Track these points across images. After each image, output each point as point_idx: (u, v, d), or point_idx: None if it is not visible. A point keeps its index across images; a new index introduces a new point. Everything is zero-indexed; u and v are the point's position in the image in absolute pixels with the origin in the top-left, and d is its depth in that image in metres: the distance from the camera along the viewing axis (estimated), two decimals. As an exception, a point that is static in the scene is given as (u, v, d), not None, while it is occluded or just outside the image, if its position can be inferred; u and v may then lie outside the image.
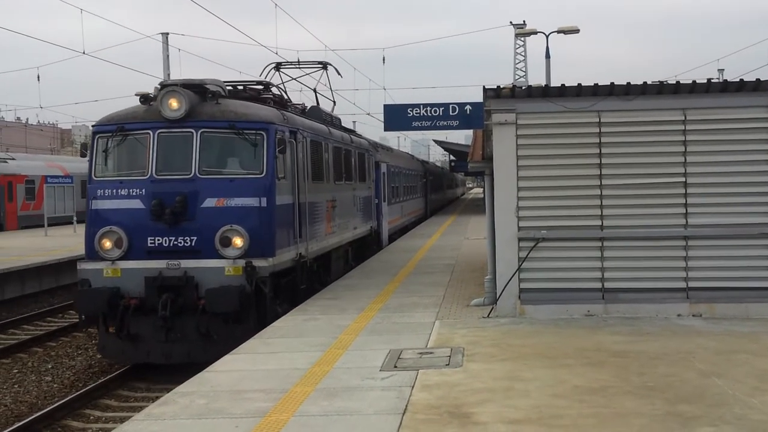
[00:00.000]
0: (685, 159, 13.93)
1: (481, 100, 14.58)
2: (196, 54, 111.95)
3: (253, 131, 14.99)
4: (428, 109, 14.68)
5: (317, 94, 23.63)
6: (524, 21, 53.50)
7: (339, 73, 23.80)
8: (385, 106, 15.06)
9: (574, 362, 10.54)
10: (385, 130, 15.05)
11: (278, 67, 22.42)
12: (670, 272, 13.88)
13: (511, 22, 53.40)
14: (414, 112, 14.71)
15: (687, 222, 13.92)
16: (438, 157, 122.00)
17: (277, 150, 15.05)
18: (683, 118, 13.92)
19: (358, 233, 24.10)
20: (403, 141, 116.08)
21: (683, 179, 13.91)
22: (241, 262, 14.34)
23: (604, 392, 9.11)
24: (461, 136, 75.72)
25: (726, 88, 13.96)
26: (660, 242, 13.94)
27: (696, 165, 13.92)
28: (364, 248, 26.11)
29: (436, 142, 69.33)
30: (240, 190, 14.76)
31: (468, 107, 14.63)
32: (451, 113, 14.71)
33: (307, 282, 17.43)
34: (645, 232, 13.94)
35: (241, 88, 17.69)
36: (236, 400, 9.33)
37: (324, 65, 22.79)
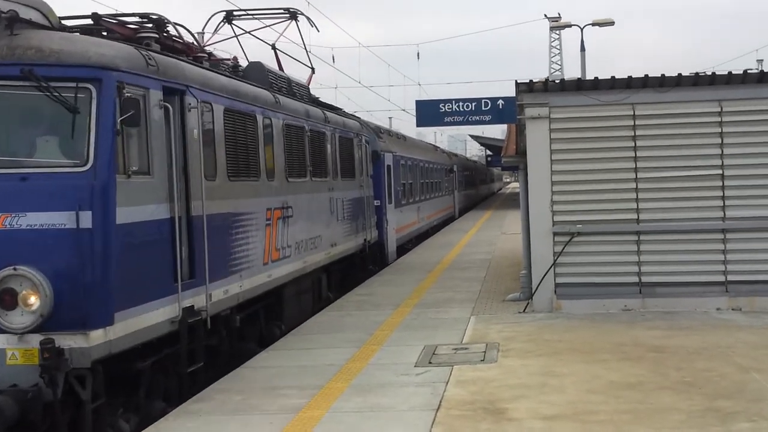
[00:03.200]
0: (722, 151, 13.75)
1: (514, 95, 14.50)
2: (227, 51, 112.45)
3: (71, 83, 8.45)
4: (461, 104, 14.66)
5: (277, 52, 17.56)
6: (559, 14, 53.26)
7: (313, 25, 18.20)
8: (418, 102, 15.06)
9: (611, 357, 10.45)
10: (418, 125, 15.05)
11: (229, 17, 16.56)
12: (709, 266, 13.71)
13: (545, 15, 53.20)
14: (446, 107, 14.69)
15: (725, 214, 13.74)
16: (475, 152, 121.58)
17: (118, 119, 8.51)
18: (719, 109, 13.74)
19: (339, 251, 17.69)
20: (440, 136, 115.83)
21: (720, 171, 13.73)
22: (36, 341, 7.97)
23: (641, 387, 9.02)
24: (498, 131, 74.70)
25: (762, 78, 13.75)
26: (698, 235, 13.77)
27: (733, 157, 13.73)
28: (355, 268, 19.86)
29: (471, 136, 69.15)
30: (36, 197, 8.30)
31: (501, 102, 14.59)
32: (483, 108, 14.68)
33: (216, 350, 11.08)
34: (682, 225, 13.78)
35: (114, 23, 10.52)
36: (271, 396, 9.38)
37: (292, 14, 17.01)
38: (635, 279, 13.80)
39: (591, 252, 13.89)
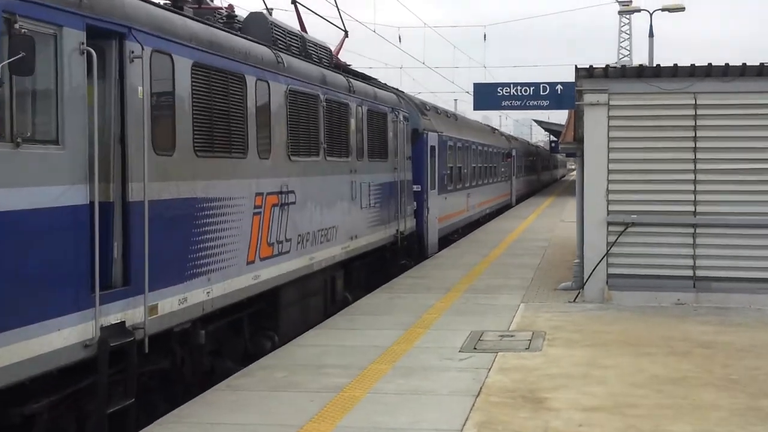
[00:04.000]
0: (786, 144, 13.41)
1: (573, 80, 14.32)
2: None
3: None
4: (518, 88, 14.52)
5: (298, 7, 15.53)
6: (631, -2, 52.26)
7: None
8: (475, 85, 14.97)
9: (657, 351, 10.32)
10: (475, 108, 14.98)
11: None
12: (766, 262, 13.42)
13: None
14: (504, 91, 14.57)
15: (786, 210, 13.41)
16: (540, 136, 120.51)
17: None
18: (785, 101, 13.39)
19: (362, 245, 15.52)
20: (505, 120, 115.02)
21: (783, 165, 13.40)
22: None
23: (685, 383, 8.90)
24: (563, 116, 73.62)
25: (832, 69, 13.36)
26: (757, 230, 13.48)
27: (797, 151, 13.39)
28: (385, 263, 17.81)
29: (536, 121, 68.49)
30: None
31: (559, 87, 14.43)
32: (542, 93, 14.53)
33: (169, 376, 9.11)
34: (741, 219, 13.51)
35: None
36: (314, 375, 9.46)
37: None
38: (690, 273, 13.58)
39: (645, 243, 13.69)
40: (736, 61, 13.47)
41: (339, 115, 14.10)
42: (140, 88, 8.04)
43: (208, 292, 9.41)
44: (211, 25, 10.08)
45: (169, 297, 8.56)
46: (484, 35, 50.75)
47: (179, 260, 8.84)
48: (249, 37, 11.14)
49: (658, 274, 13.63)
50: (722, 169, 13.57)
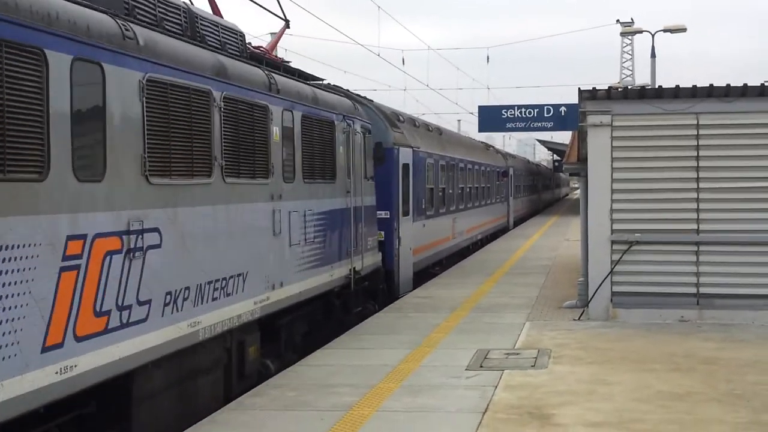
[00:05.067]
0: (787, 163, 13.59)
1: (576, 102, 14.53)
2: (300, 53, 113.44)
3: None
4: (522, 110, 14.75)
5: None
6: (632, 19, 52.63)
7: None
8: (480, 107, 15.22)
9: (661, 368, 10.46)
10: (480, 130, 15.22)
11: None
12: (769, 279, 13.56)
13: (618, 20, 52.64)
14: (508, 113, 14.80)
15: (788, 227, 13.57)
16: (543, 155, 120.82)
17: None
18: (786, 120, 13.58)
19: (291, 294, 11.91)
20: (508, 140, 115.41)
21: (785, 183, 13.57)
22: None
23: (689, 398, 9.04)
24: (566, 136, 73.78)
25: (832, 89, 13.56)
26: (760, 248, 13.64)
27: (798, 169, 13.56)
28: (334, 313, 14.17)
29: (539, 141, 68.75)
30: None
31: (563, 108, 14.66)
32: (545, 114, 14.76)
33: None
34: (743, 236, 13.66)
35: None
36: (324, 394, 9.61)
37: None
38: (693, 290, 13.73)
39: (649, 261, 13.85)
40: (738, 77, 13.72)
41: (250, 121, 10.48)
42: None
43: None
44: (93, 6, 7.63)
45: None
46: (487, 57, 51.13)
47: None
48: (88, 4, 7.69)
49: (662, 291, 13.78)
50: (725, 188, 13.74)
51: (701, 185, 13.78)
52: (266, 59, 12.40)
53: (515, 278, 19.96)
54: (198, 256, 9.12)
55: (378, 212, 16.71)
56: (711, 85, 13.71)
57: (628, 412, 8.56)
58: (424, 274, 20.55)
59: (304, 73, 14.06)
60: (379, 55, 32.22)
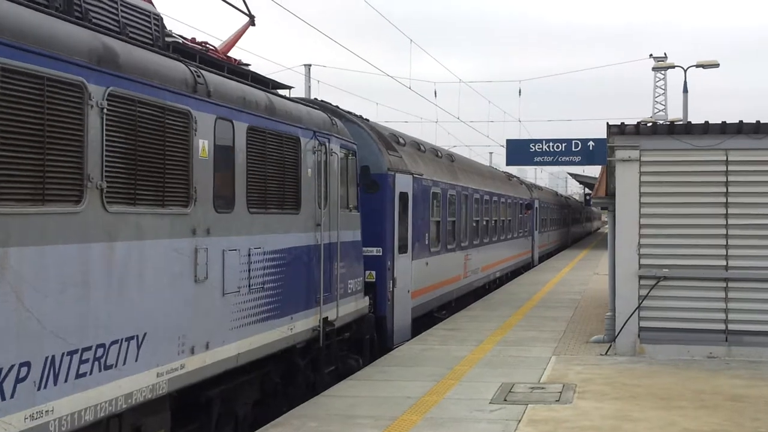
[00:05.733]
0: (817, 199, 13.48)
1: (605, 137, 14.54)
2: (334, 85, 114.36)
3: None
4: (551, 144, 14.77)
5: None
6: (665, 53, 52.60)
7: None
8: (508, 141, 15.25)
9: (688, 404, 10.37)
10: (507, 164, 15.24)
11: None
12: (799, 316, 13.42)
13: (650, 55, 52.61)
14: (536, 147, 14.82)
15: (818, 265, 13.44)
16: (575, 189, 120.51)
17: None
18: (816, 157, 13.50)
19: (226, 357, 9.18)
20: (540, 173, 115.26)
21: (815, 220, 13.46)
22: None
23: (714, 437, 8.95)
24: (598, 170, 73.26)
25: None
26: (789, 285, 13.50)
27: (828, 206, 13.45)
28: (296, 376, 11.53)
29: (570, 174, 68.50)
30: None
31: (591, 143, 14.65)
32: (573, 149, 14.76)
33: None
34: (773, 274, 13.53)
35: None
36: (346, 425, 9.61)
37: None
38: (722, 326, 13.61)
39: (677, 297, 13.76)
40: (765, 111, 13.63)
41: (158, 130, 8.07)
42: None
43: None
44: None
45: None
46: (519, 90, 51.19)
47: None
48: None
49: (690, 327, 13.67)
50: (754, 224, 13.65)
51: (730, 221, 13.70)
52: (205, 56, 9.80)
53: (543, 311, 19.87)
54: (49, 317, 6.43)
55: (368, 249, 14.64)
56: (741, 121, 13.68)
57: (651, 450, 8.50)
58: (428, 320, 18.24)
59: (263, 77, 11.24)
60: (410, 88, 32.34)
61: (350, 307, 13.28)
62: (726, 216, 13.71)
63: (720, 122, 13.77)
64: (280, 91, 11.82)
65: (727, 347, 13.52)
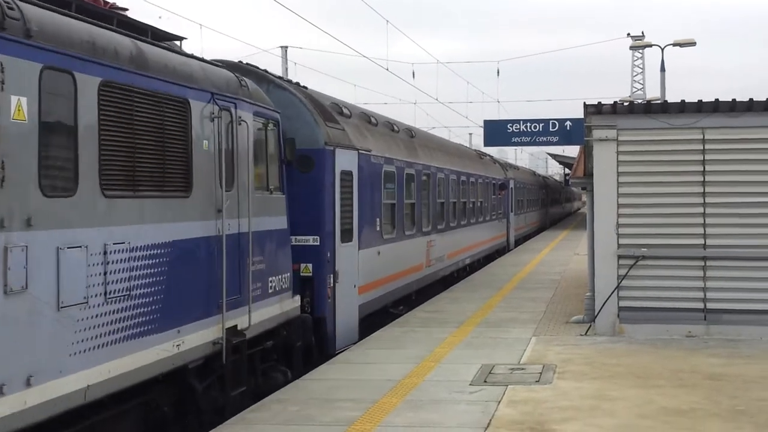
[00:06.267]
0: (794, 177, 13.54)
1: (582, 116, 14.54)
2: (310, 67, 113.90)
3: None
4: (528, 124, 14.76)
5: None
6: (642, 32, 52.63)
7: None
8: (485, 122, 15.22)
9: (666, 383, 10.41)
10: (485, 145, 15.22)
11: None
12: (777, 293, 13.50)
13: (628, 34, 52.66)
14: (514, 127, 14.81)
15: (795, 242, 13.51)
16: (555, 169, 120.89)
17: None
18: (792, 135, 13.55)
19: (67, 392, 6.86)
20: (520, 154, 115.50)
21: (791, 198, 13.52)
22: None
23: (692, 414, 8.99)
24: (578, 150, 73.36)
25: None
26: (767, 263, 13.57)
27: (805, 184, 13.51)
28: (185, 408, 9.37)
29: (549, 154, 68.66)
30: None
31: (568, 123, 14.65)
32: (551, 129, 14.76)
33: None
34: (751, 251, 13.61)
35: None
36: (326, 408, 9.59)
37: None
38: (700, 305, 13.67)
39: (656, 276, 13.81)
40: (748, 91, 13.68)
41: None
42: None
43: None
44: None
45: None
46: (498, 70, 51.16)
47: None
48: None
49: (669, 306, 13.73)
50: (732, 203, 13.70)
51: (708, 200, 13.74)
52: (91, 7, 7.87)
53: (524, 293, 19.92)
54: None
55: (302, 238, 12.82)
56: (716, 99, 13.70)
57: (630, 428, 8.53)
58: (382, 316, 16.12)
59: (137, 23, 8.82)
60: (387, 69, 32.21)
61: (272, 310, 11.13)
62: (703, 194, 13.75)
63: (696, 101, 13.78)
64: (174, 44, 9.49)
65: (706, 326, 13.59)
